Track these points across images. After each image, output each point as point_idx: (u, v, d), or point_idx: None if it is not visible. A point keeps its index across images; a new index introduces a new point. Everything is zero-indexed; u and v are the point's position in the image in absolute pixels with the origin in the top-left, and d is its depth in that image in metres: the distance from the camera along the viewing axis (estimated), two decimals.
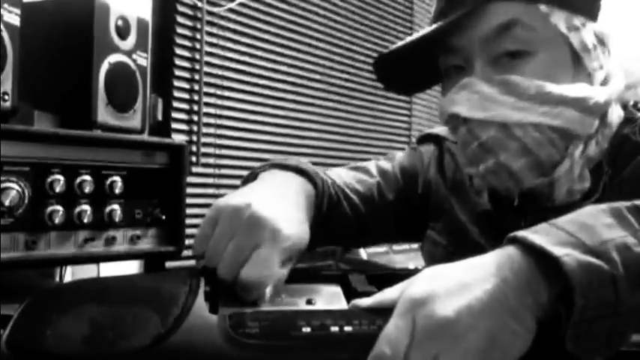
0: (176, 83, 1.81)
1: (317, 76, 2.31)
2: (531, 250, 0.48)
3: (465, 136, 0.70)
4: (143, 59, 1.20)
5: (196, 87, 1.85)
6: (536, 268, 0.48)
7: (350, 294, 0.57)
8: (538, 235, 0.49)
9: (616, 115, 0.73)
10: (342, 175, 0.88)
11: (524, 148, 0.67)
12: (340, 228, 0.83)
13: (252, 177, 0.75)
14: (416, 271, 0.52)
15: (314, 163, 0.80)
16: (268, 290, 0.56)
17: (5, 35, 0.91)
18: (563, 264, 0.45)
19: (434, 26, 0.70)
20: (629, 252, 0.46)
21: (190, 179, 1.80)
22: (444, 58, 0.74)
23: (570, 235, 0.48)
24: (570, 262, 0.45)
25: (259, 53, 2.06)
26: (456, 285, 0.47)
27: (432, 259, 0.87)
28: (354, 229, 0.86)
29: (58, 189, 0.92)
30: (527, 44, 0.68)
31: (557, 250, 0.46)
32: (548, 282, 0.47)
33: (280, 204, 0.61)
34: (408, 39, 0.73)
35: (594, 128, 0.70)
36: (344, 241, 0.92)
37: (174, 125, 1.81)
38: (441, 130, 0.93)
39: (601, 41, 0.71)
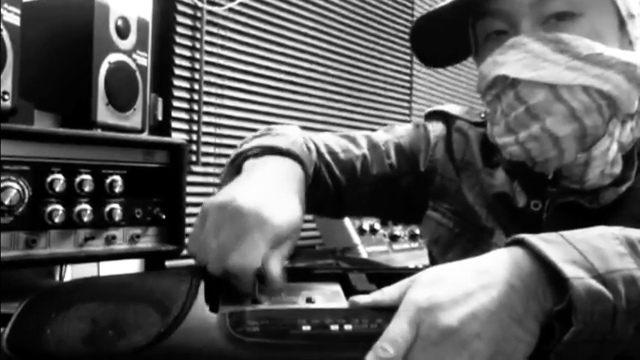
0: (176, 83, 1.81)
1: (317, 75, 2.31)
2: (541, 260, 0.47)
3: (512, 101, 0.68)
4: (143, 59, 1.20)
5: (196, 87, 1.85)
6: (544, 277, 0.47)
7: (350, 293, 0.57)
8: (549, 247, 0.48)
9: None
10: (328, 142, 0.86)
11: (571, 113, 0.65)
12: (319, 196, 0.81)
13: (239, 159, 0.73)
14: (416, 270, 0.52)
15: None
16: (278, 276, 0.56)
17: (5, 35, 0.91)
18: (571, 287, 0.45)
19: None
20: (634, 286, 0.46)
21: (190, 179, 1.79)
22: (484, 22, 0.71)
23: (582, 256, 0.47)
24: (578, 286, 0.45)
25: (259, 53, 2.06)
26: (461, 292, 0.47)
27: (435, 241, 0.84)
28: (332, 199, 0.85)
29: (58, 188, 0.92)
30: (576, 6, 0.66)
31: (568, 270, 0.45)
32: (554, 294, 0.47)
33: (266, 194, 0.61)
34: (446, 1, 0.71)
35: (634, 109, 0.68)
36: (323, 209, 0.90)
37: (174, 125, 1.81)
38: (450, 107, 0.90)
39: None
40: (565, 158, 0.68)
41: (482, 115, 0.85)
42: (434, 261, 0.86)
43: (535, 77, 0.65)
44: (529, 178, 0.73)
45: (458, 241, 0.81)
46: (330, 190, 0.84)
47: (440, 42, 0.78)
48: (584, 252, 0.47)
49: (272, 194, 0.61)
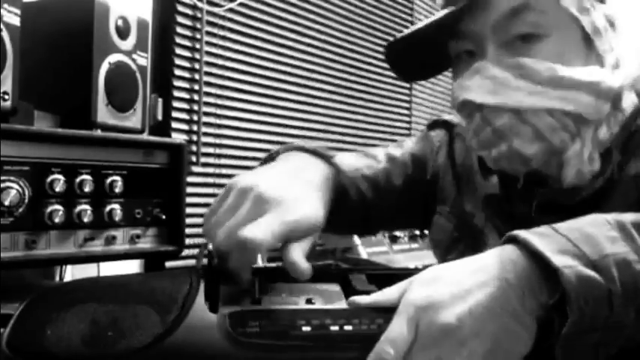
0: (176, 83, 1.81)
1: (317, 76, 2.31)
2: (532, 254, 0.48)
3: (479, 123, 0.69)
4: (143, 59, 1.20)
5: (196, 87, 1.85)
6: (538, 272, 0.48)
7: (350, 293, 0.57)
8: (540, 240, 0.48)
9: (630, 101, 0.71)
10: (349, 161, 0.87)
11: (537, 134, 0.66)
12: (347, 214, 0.82)
13: (270, 158, 0.75)
14: (416, 270, 0.52)
15: None
16: (301, 259, 0.55)
17: (5, 35, 0.91)
18: (562, 276, 0.45)
19: (445, 11, 0.68)
20: (628, 269, 0.46)
21: (190, 179, 1.79)
22: (454, 43, 0.72)
23: (573, 245, 0.47)
24: (569, 274, 0.45)
25: (259, 53, 2.06)
26: (458, 290, 0.47)
27: (438, 245, 0.86)
28: (360, 215, 0.86)
29: (58, 188, 0.92)
30: (539, 27, 0.66)
31: (558, 260, 0.46)
32: (549, 287, 0.47)
33: (290, 185, 0.61)
34: (419, 24, 0.72)
35: (605, 114, 0.68)
36: (352, 226, 0.91)
37: (174, 125, 1.81)
38: (450, 117, 0.92)
39: (611, 23, 0.70)
40: (533, 167, 0.69)
41: None
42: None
43: (498, 103, 0.66)
44: (507, 183, 0.75)
45: (457, 244, 0.83)
46: (358, 206, 0.85)
47: (416, 57, 0.77)
48: (575, 240, 0.48)
49: (296, 188, 0.61)
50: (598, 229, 0.49)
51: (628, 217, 0.50)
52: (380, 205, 0.87)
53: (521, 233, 0.50)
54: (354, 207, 0.84)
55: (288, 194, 0.58)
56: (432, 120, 0.95)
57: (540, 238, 0.48)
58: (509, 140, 0.67)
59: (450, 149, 0.88)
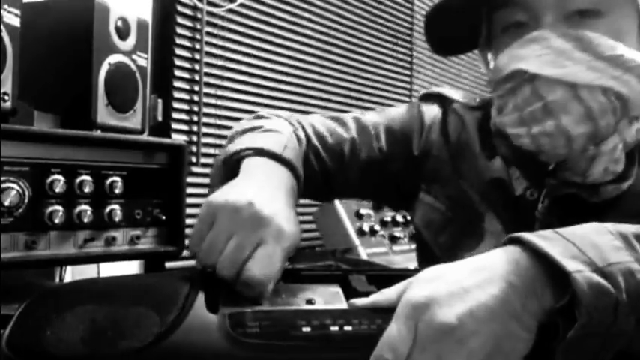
0: (176, 83, 1.81)
1: (317, 76, 2.31)
2: (540, 257, 0.47)
3: (528, 96, 0.67)
4: (143, 60, 1.20)
5: (196, 87, 1.85)
6: (544, 275, 0.47)
7: (350, 294, 0.57)
8: (547, 243, 0.48)
9: None
10: (316, 126, 0.85)
11: (587, 114, 0.65)
12: (307, 180, 0.79)
13: (233, 161, 0.71)
14: (416, 271, 0.52)
15: None
16: (269, 288, 0.56)
17: (5, 35, 0.91)
18: (574, 281, 0.45)
19: None
20: (633, 278, 0.46)
21: (190, 179, 1.79)
22: (504, 12, 0.71)
23: (580, 251, 0.47)
24: (581, 280, 0.45)
25: (259, 53, 2.06)
26: (458, 289, 0.47)
27: (428, 225, 0.83)
28: (320, 184, 0.84)
29: (58, 189, 0.92)
30: (600, 4, 0.66)
31: (569, 265, 0.46)
32: (554, 290, 0.47)
33: (277, 202, 0.61)
34: None
35: None
36: (311, 193, 0.88)
37: (174, 125, 1.81)
38: (446, 90, 0.89)
39: None
40: (573, 153, 0.68)
41: (478, 100, 0.85)
42: (423, 246, 0.85)
43: (556, 75, 0.65)
44: (529, 167, 0.73)
45: (450, 225, 0.80)
46: (318, 175, 0.83)
47: (452, 30, 0.77)
48: (581, 247, 0.47)
49: (282, 205, 0.61)
50: (601, 238, 0.49)
51: (628, 228, 0.50)
52: (343, 175, 0.84)
53: (526, 235, 0.49)
54: (314, 174, 0.82)
55: (277, 211, 0.58)
56: (425, 91, 0.91)
57: (547, 241, 0.48)
58: (557, 118, 0.66)
59: (444, 126, 0.85)
